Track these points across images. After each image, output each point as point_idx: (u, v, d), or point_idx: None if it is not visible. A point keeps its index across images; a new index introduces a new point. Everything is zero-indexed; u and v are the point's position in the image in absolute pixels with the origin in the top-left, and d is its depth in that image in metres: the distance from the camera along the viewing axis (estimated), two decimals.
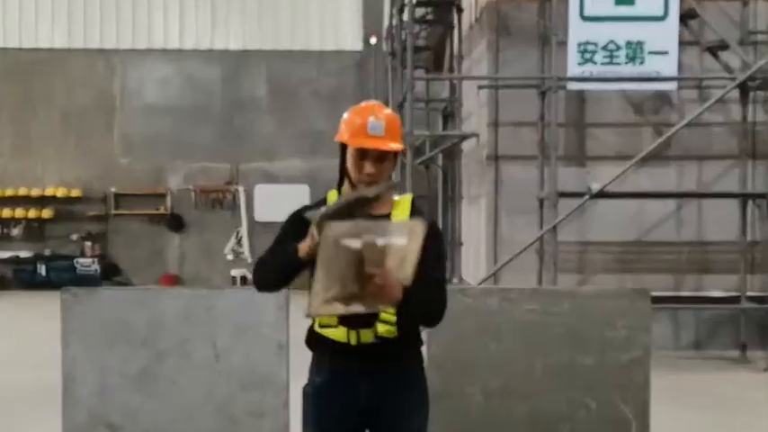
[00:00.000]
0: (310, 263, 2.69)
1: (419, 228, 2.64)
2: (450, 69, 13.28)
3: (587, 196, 9.20)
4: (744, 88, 9.44)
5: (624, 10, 9.33)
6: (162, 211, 17.59)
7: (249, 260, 15.78)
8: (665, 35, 9.29)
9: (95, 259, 17.19)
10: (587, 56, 9.34)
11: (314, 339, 3.02)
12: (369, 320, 2.86)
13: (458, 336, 4.77)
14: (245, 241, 16.33)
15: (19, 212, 17.42)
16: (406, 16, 11.40)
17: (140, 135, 17.46)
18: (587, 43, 9.33)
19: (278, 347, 4.82)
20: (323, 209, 2.71)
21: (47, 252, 17.46)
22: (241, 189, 17.16)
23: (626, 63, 9.32)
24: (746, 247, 9.62)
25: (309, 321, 2.98)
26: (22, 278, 17.11)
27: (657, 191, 9.80)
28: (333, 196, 3.02)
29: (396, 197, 3.03)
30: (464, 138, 11.80)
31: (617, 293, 5.05)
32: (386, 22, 15.53)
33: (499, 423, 4.84)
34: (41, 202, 17.44)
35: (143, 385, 4.84)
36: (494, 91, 10.26)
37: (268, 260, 2.94)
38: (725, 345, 9.71)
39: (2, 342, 10.72)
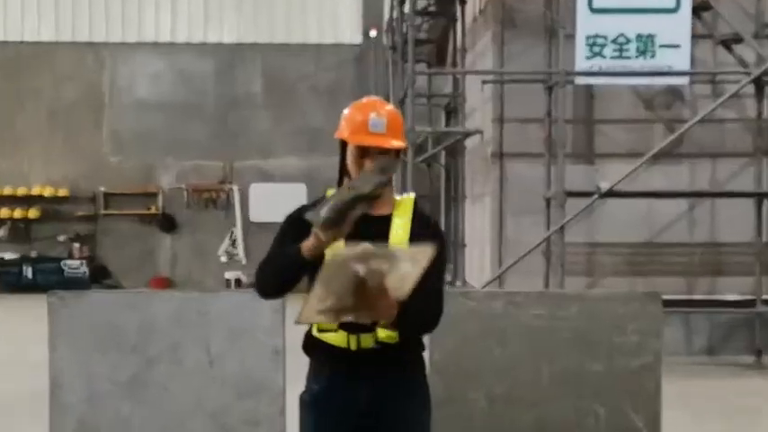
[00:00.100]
0: (315, 263, 2.70)
1: (427, 254, 2.66)
2: (454, 63, 13.47)
3: (596, 195, 9.18)
4: (759, 83, 9.42)
5: (635, 2, 9.34)
6: (153, 211, 17.49)
7: (244, 262, 15.78)
8: (677, 28, 9.28)
9: (84, 261, 17.07)
10: (596, 49, 9.32)
11: (312, 344, 2.99)
12: (369, 325, 2.85)
13: (461, 340, 4.78)
14: (239, 242, 16.40)
15: (4, 212, 17.36)
16: (407, 8, 11.45)
17: (131, 132, 17.40)
18: (596, 36, 9.31)
19: (274, 353, 4.81)
20: (323, 211, 2.70)
21: (33, 254, 17.37)
22: (235, 188, 17.21)
23: (636, 57, 9.28)
24: (762, 249, 9.58)
25: (307, 326, 2.97)
26: (8, 281, 16.94)
27: (669, 190, 9.76)
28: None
29: (397, 197, 3.00)
30: (468, 134, 11.79)
31: (627, 297, 5.05)
32: (386, 14, 15.63)
33: (504, 431, 4.83)
34: (27, 201, 17.36)
35: (133, 392, 4.83)
36: (499, 86, 10.21)
37: (270, 264, 2.92)
38: (739, 350, 9.67)
39: None
